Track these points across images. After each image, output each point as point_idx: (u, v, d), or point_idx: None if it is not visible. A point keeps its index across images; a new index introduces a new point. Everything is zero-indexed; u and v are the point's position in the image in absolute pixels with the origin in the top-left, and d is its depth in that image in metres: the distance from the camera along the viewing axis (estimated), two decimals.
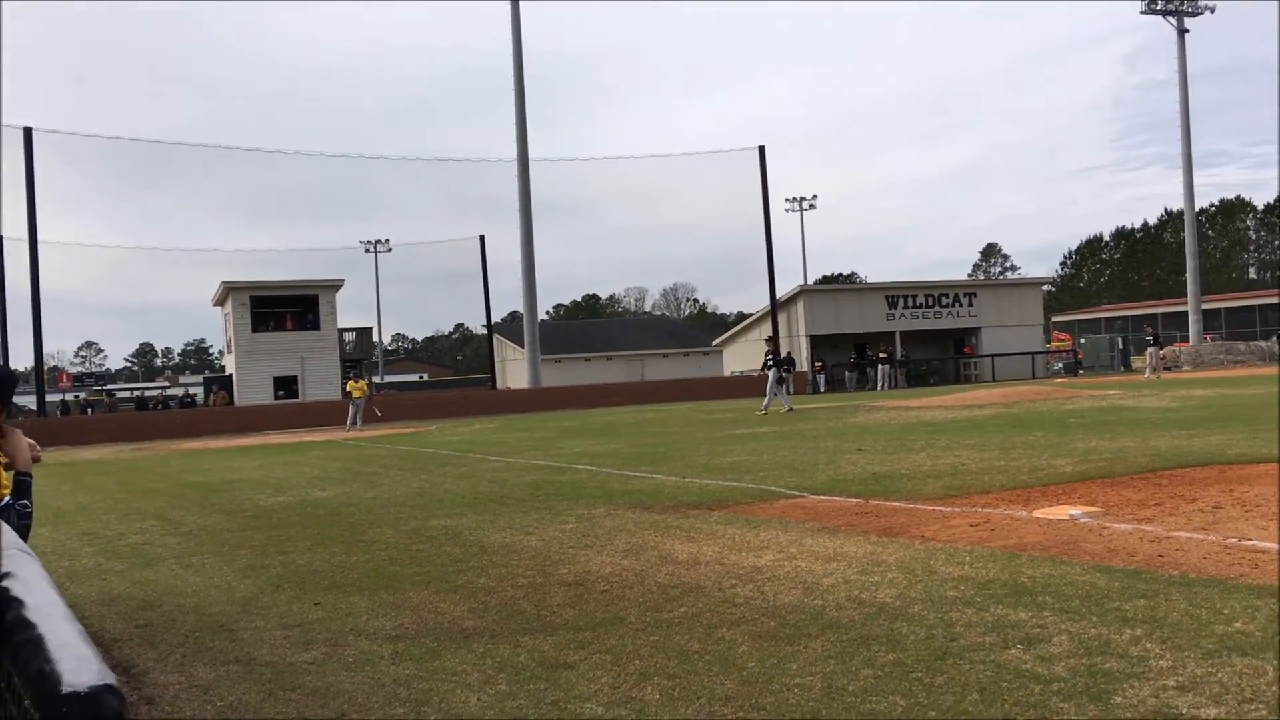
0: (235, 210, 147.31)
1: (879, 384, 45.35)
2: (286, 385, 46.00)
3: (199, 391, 53.55)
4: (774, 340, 28.68)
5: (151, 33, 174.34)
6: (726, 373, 56.97)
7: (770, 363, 27.49)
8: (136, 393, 65.42)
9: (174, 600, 6.95)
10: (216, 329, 58.31)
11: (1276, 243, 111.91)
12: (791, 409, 26.52)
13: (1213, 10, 56.91)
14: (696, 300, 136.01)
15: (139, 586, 7.53)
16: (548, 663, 4.83)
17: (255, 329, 46.27)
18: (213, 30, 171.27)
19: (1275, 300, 71.91)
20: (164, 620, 6.35)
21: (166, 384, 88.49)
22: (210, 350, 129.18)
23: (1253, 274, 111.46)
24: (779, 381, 27.17)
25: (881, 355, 46.74)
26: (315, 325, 46.98)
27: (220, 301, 50.13)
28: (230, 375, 48.00)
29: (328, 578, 7.32)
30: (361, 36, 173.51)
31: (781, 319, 49.97)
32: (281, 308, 47.34)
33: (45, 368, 43.42)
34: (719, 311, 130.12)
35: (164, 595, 7.13)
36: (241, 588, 7.20)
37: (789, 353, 48.04)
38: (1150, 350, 40.39)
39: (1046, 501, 8.71)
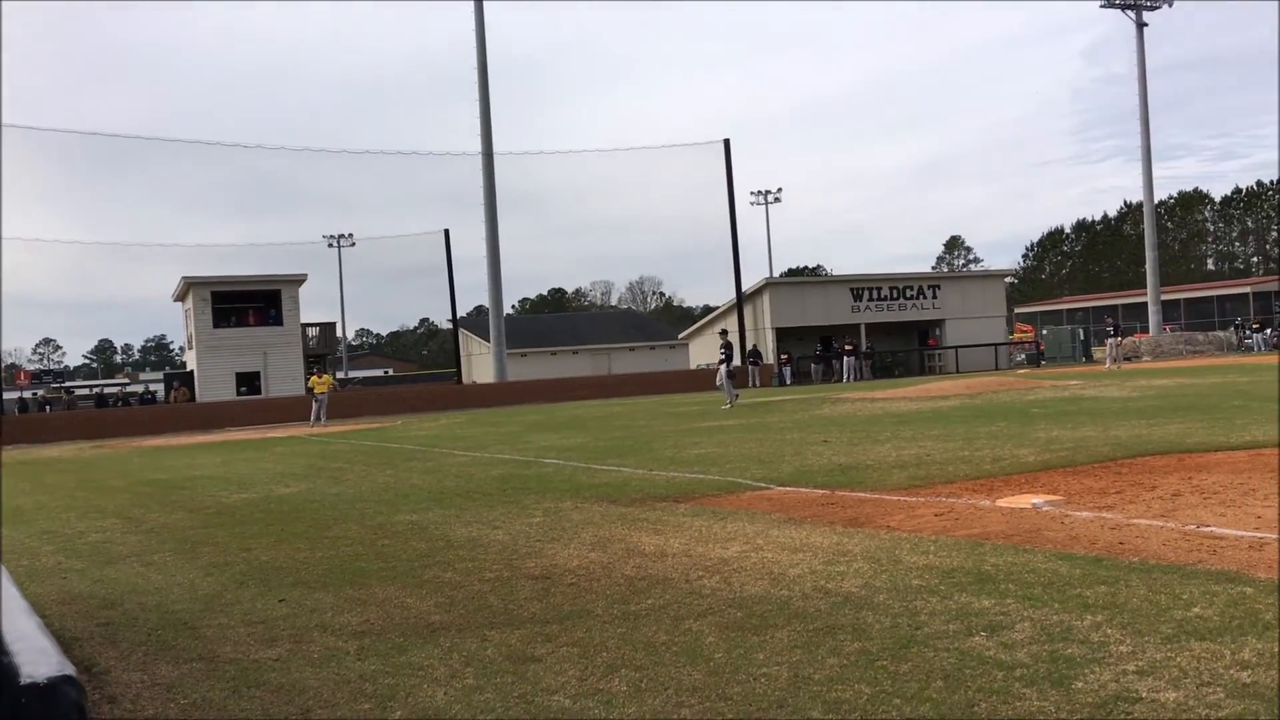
0: (196, 204, 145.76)
1: (845, 376, 45.62)
2: (249, 381, 45.62)
3: (160, 388, 53.02)
4: (726, 334, 28.45)
5: (107, 25, 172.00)
6: (693, 366, 57.08)
7: (723, 356, 27.11)
8: (96, 390, 64.58)
9: (136, 598, 6.87)
10: (177, 325, 57.71)
11: (1234, 234, 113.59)
12: (732, 406, 25.80)
13: (1170, 4, 57.63)
14: (663, 293, 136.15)
15: (100, 585, 7.44)
16: (515, 656, 4.82)
17: (217, 324, 45.84)
18: (170, 22, 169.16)
19: (1233, 291, 73.00)
20: (125, 619, 6.28)
21: (126, 381, 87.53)
22: (171, 346, 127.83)
23: (1211, 265, 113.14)
24: (729, 376, 26.99)
25: (847, 347, 47.01)
26: (278, 320, 46.61)
27: (181, 297, 49.62)
28: (191, 371, 47.53)
29: (292, 574, 7.27)
30: (322, 28, 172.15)
31: (747, 312, 50.14)
32: (243, 303, 46.93)
33: (2, 365, 42.75)
34: (685, 305, 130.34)
35: (125, 593, 7.05)
36: (204, 585, 7.14)
37: (755, 345, 48.26)
38: (1111, 341, 40.89)
39: (1009, 491, 8.80)
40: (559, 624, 5.34)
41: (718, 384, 26.56)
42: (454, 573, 6.88)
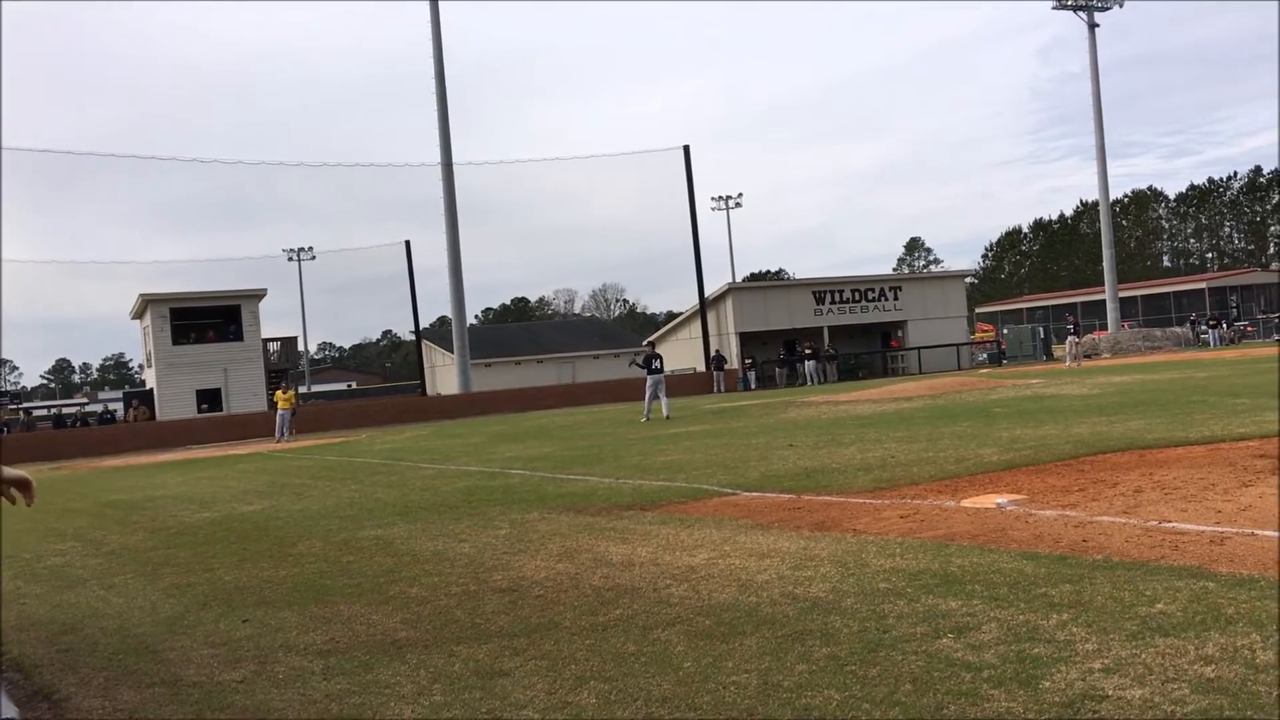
0: (152, 221, 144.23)
1: (808, 379, 45.79)
2: (210, 398, 45.15)
3: (119, 407, 52.33)
4: (651, 345, 27.77)
5: (52, 38, 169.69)
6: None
7: (656, 366, 25.64)
8: (54, 410, 63.65)
9: (96, 622, 6.76)
10: (135, 343, 57.03)
11: (1188, 231, 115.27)
12: (650, 418, 24.78)
13: (1121, 4, 58.46)
14: (626, 301, 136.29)
15: (59, 609, 7.31)
16: (482, 671, 4.78)
17: (176, 341, 45.35)
18: (121, 35, 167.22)
19: (1189, 287, 74.06)
20: (86, 644, 6.17)
21: (85, 400, 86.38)
22: (130, 365, 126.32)
23: (1166, 262, 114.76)
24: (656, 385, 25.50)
25: (807, 350, 47.24)
26: (238, 336, 46.19)
27: (139, 314, 49.06)
28: (151, 390, 46.96)
29: (256, 593, 7.18)
30: (277, 40, 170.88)
31: (711, 317, 50.24)
32: (202, 319, 46.46)
33: None
34: (649, 311, 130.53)
35: (85, 618, 6.93)
36: (166, 607, 7.03)
37: (718, 350, 48.37)
38: (1070, 339, 41.35)
39: (974, 491, 8.85)
40: (527, 637, 5.30)
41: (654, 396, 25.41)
42: (420, 588, 6.82)
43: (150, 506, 14.23)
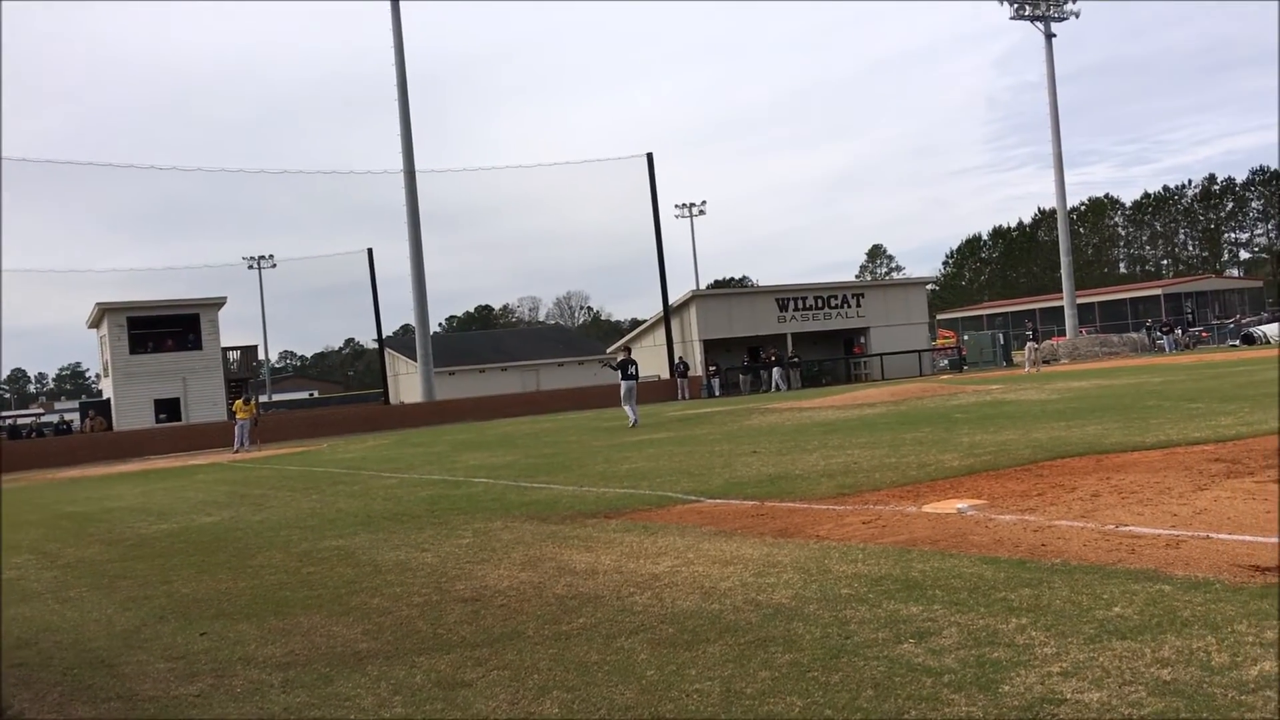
0: (109, 229, 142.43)
1: (772, 385, 45.94)
2: (169, 408, 44.61)
3: (75, 418, 51.60)
4: (628, 350, 27.63)
5: (5, 42, 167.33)
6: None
7: (631, 371, 25.22)
8: (9, 421, 62.65)
9: (51, 637, 6.65)
10: (92, 352, 56.23)
11: (1144, 238, 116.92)
12: (637, 424, 24.37)
13: (1077, 15, 59.27)
14: (590, 308, 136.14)
15: (13, 624, 7.17)
16: (444, 682, 4.75)
17: (133, 351, 44.77)
18: (77, 41, 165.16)
19: (1145, 293, 75.10)
20: (40, 659, 6.06)
21: (41, 411, 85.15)
22: (87, 374, 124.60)
23: (1123, 269, 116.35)
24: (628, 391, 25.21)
25: (772, 357, 47.42)
26: (197, 345, 45.67)
27: (95, 324, 48.43)
28: (108, 400, 46.34)
29: (214, 606, 7.09)
30: (235, 43, 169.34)
31: (675, 324, 50.32)
32: (161, 328, 45.90)
33: None
34: (613, 319, 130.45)
35: (40, 632, 6.82)
36: (122, 620, 6.93)
37: (682, 357, 48.44)
38: (1029, 345, 41.79)
39: (935, 496, 8.91)
40: (489, 647, 5.27)
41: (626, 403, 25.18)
42: (382, 598, 6.77)
43: (107, 518, 14.03)
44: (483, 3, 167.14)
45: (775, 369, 46.77)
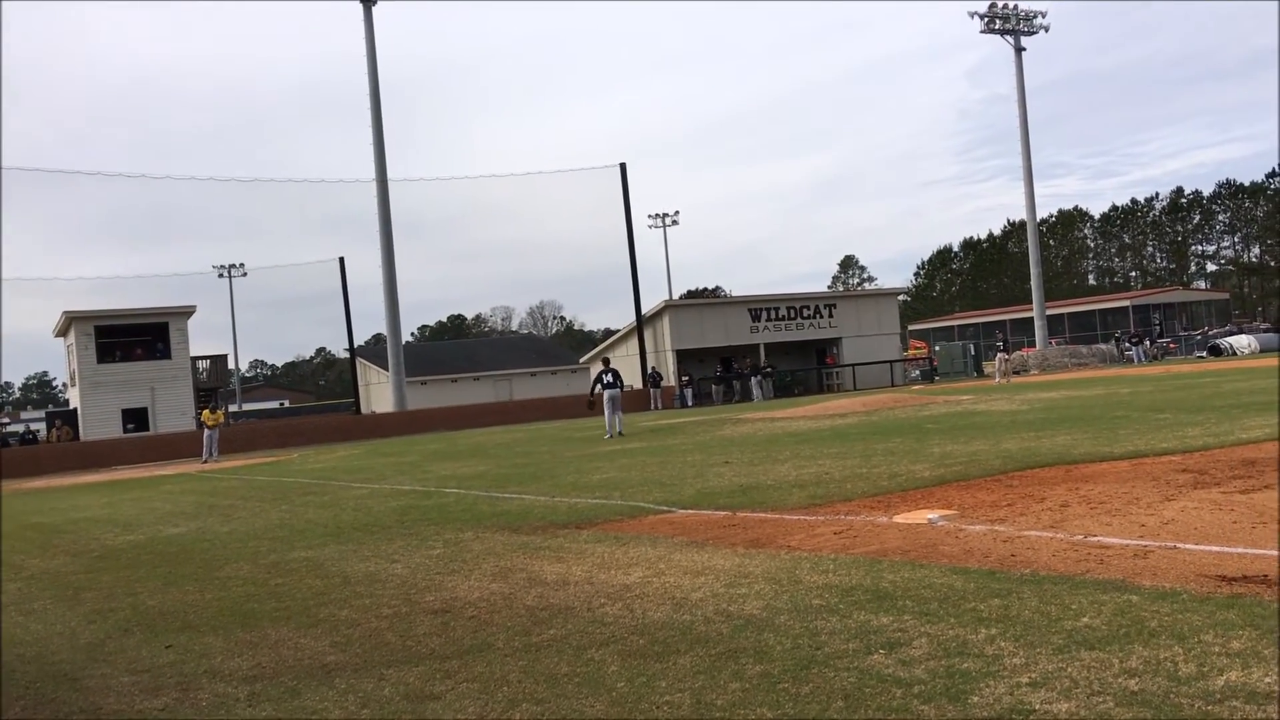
0: (76, 236, 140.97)
1: (755, 395, 45.92)
2: (136, 418, 44.17)
3: (41, 427, 50.99)
4: (607, 360, 27.65)
5: None
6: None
7: (607, 380, 25.09)
8: None
9: (13, 650, 6.55)
10: (59, 361, 55.63)
11: (1112, 250, 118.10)
12: (612, 435, 24.39)
13: (1047, 29, 59.90)
14: (563, 318, 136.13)
15: None
16: (413, 695, 4.71)
17: (101, 360, 44.32)
18: (43, 44, 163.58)
19: (1113, 305, 75.84)
20: (2, 672, 5.97)
21: (7, 420, 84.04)
22: (54, 384, 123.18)
23: (1092, 280, 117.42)
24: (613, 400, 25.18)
25: (750, 366, 47.52)
26: (166, 354, 45.27)
27: (62, 332, 47.93)
28: (75, 409, 45.84)
29: (180, 618, 7.01)
30: (204, 49, 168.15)
31: (648, 334, 50.36)
32: (129, 337, 45.46)
33: None
34: (586, 329, 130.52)
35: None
36: (87, 633, 6.84)
37: (654, 367, 48.45)
38: (1000, 356, 42.07)
39: (906, 506, 8.94)
40: (459, 659, 5.23)
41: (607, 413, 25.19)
42: (350, 610, 6.71)
43: (72, 529, 13.85)
44: (456, 11, 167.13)
45: (756, 377, 46.87)
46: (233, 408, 68.20)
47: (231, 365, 68.46)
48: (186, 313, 46.77)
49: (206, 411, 33.45)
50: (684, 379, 48.09)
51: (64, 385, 61.56)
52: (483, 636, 5.66)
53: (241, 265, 78.10)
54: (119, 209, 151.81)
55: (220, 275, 77.45)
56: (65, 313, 45.42)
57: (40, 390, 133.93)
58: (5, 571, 10.31)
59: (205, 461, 31.15)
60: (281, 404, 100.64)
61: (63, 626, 7.16)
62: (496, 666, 5.03)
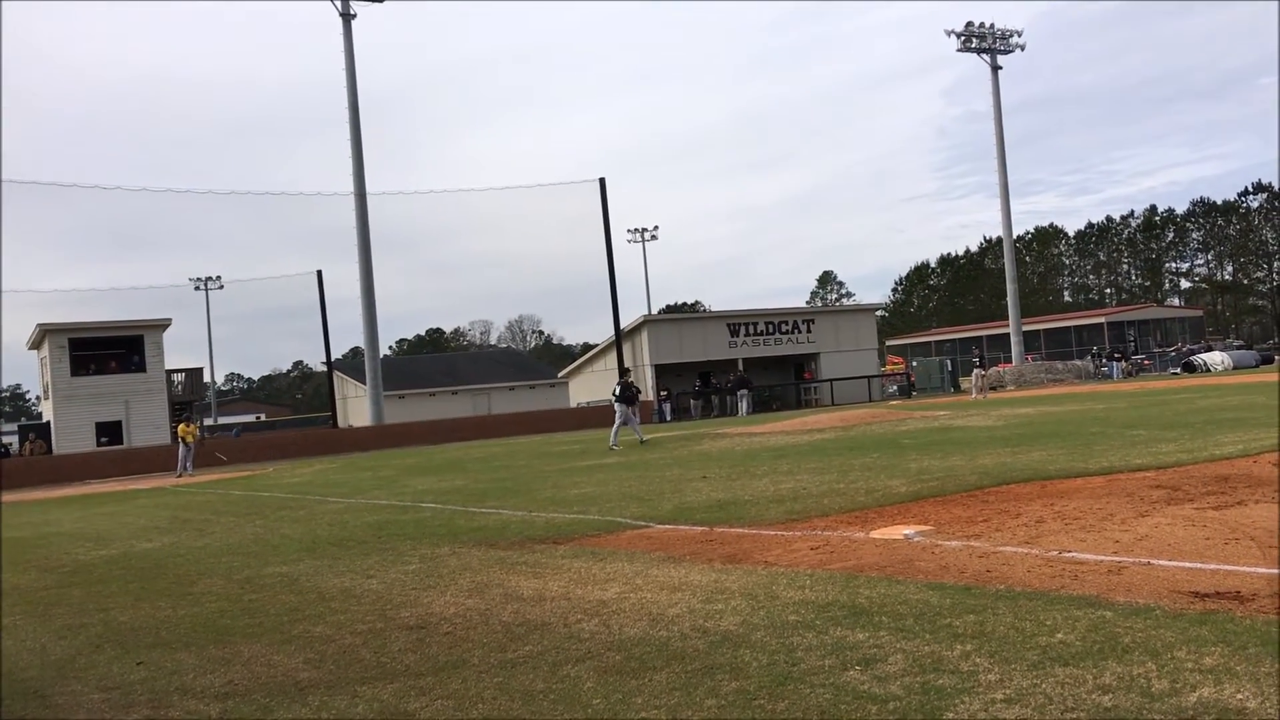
0: (51, 249, 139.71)
1: (743, 409, 45.97)
2: (110, 431, 43.79)
3: (14, 440, 50.46)
4: (628, 371, 28.27)
5: None
6: (573, 404, 56.99)
7: (629, 395, 26.04)
8: None
9: None
10: (33, 374, 55.16)
11: (1088, 267, 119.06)
12: (617, 447, 24.74)
13: (1023, 49, 60.47)
14: (542, 332, 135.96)
15: None
16: (387, 712, 4.67)
17: (75, 373, 43.96)
18: (15, 54, 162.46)
19: (1089, 321, 76.38)
20: None
21: None
22: (27, 397, 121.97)
23: (1068, 297, 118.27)
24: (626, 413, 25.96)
25: (729, 381, 47.60)
26: (141, 367, 44.95)
27: (36, 345, 47.52)
28: (48, 422, 45.41)
29: (152, 634, 6.94)
30: (183, 61, 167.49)
31: (626, 349, 50.36)
32: (103, 349, 45.12)
33: None
34: (565, 343, 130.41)
35: None
36: (57, 649, 6.76)
37: (631, 381, 48.47)
38: (976, 371, 42.29)
39: (883, 522, 8.96)
40: (434, 676, 5.20)
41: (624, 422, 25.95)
42: (325, 626, 6.66)
43: (43, 544, 13.70)
44: (436, 26, 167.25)
45: (741, 391, 46.95)
46: (208, 421, 67.74)
47: (207, 378, 68.03)
48: (162, 325, 46.48)
49: (182, 425, 33.20)
50: (662, 394, 48.11)
51: (37, 398, 60.97)
52: (458, 653, 5.63)
53: (218, 278, 77.74)
54: (95, 221, 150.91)
55: (197, 288, 77.05)
56: (39, 325, 45.04)
57: (13, 403, 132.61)
58: None
59: (180, 475, 30.90)
60: (258, 418, 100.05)
61: (33, 642, 7.07)
62: (471, 683, 5.00)
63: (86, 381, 44.00)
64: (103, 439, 43.48)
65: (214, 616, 7.39)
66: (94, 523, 16.57)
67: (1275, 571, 5.83)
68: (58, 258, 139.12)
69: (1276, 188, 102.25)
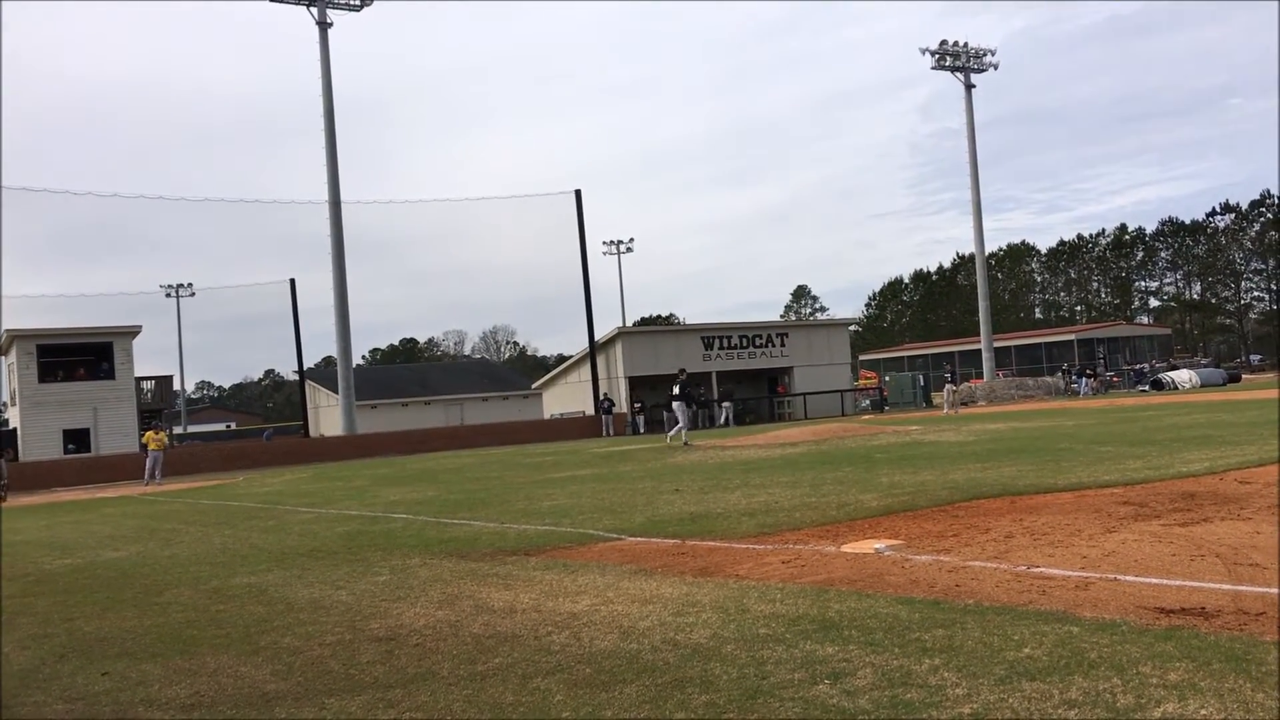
0: (19, 254, 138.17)
1: (721, 420, 45.99)
2: (78, 439, 43.32)
3: None
4: (683, 370, 28.77)
5: None
6: (547, 415, 56.91)
7: (689, 391, 27.17)
8: None
9: None
10: None
11: (1059, 284, 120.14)
12: (688, 443, 26.16)
13: (996, 68, 61.07)
14: (516, 343, 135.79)
15: None
16: None
17: (43, 379, 43.49)
18: None
19: (1059, 338, 77.00)
20: None
21: None
22: None
23: (1039, 313, 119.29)
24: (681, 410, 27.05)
25: (712, 393, 47.76)
26: (110, 374, 44.51)
27: (3, 351, 46.96)
28: (14, 429, 44.88)
29: (117, 644, 6.86)
30: (156, 66, 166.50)
31: (601, 361, 50.35)
32: (72, 356, 44.66)
33: None
34: (539, 354, 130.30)
35: None
36: (20, 659, 6.67)
37: (606, 394, 48.43)
38: (948, 387, 42.56)
39: (854, 536, 8.99)
40: (403, 688, 5.17)
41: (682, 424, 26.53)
42: (293, 637, 6.61)
43: (8, 552, 13.53)
44: (412, 36, 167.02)
45: (725, 403, 47.02)
46: (177, 429, 67.16)
47: (177, 386, 67.46)
48: (132, 333, 46.05)
49: (150, 433, 32.88)
50: (636, 406, 48.11)
51: (3, 405, 60.32)
52: (427, 665, 5.61)
53: (190, 285, 77.30)
54: (65, 226, 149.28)
55: (168, 295, 76.56)
56: (7, 331, 44.53)
57: None
58: None
59: (147, 484, 30.60)
60: (228, 426, 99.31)
61: None
62: (441, 696, 4.98)
63: (54, 388, 43.54)
64: (70, 446, 43.02)
65: (181, 627, 7.32)
66: (60, 531, 16.39)
67: (1240, 588, 5.89)
68: (27, 263, 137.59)
69: (1243, 208, 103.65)
